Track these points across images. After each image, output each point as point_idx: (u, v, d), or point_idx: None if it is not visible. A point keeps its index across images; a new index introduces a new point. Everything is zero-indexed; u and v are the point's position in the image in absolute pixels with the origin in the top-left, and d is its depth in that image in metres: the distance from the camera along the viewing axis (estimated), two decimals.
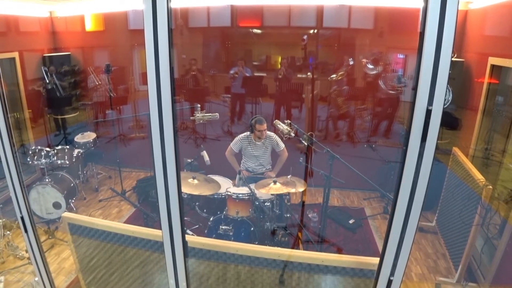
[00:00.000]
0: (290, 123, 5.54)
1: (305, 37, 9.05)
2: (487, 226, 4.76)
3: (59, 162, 6.85)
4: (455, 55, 6.71)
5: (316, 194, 7.32)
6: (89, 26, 9.46)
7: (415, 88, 1.97)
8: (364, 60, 8.23)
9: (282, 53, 10.01)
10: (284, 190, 5.11)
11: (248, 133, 6.25)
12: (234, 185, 6.04)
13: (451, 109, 6.68)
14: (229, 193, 5.32)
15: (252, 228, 5.23)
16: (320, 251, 5.62)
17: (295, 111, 9.42)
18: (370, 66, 8.15)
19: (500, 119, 5.85)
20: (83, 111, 9.61)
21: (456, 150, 5.91)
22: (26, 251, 5.41)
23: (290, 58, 9.55)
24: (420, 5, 1.88)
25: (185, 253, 2.84)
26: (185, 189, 5.13)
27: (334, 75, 8.80)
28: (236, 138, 6.38)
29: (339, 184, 5.64)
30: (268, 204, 5.54)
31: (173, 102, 2.34)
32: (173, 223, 2.70)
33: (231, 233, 5.11)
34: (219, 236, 5.08)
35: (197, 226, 5.96)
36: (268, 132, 6.19)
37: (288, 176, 5.30)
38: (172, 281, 2.98)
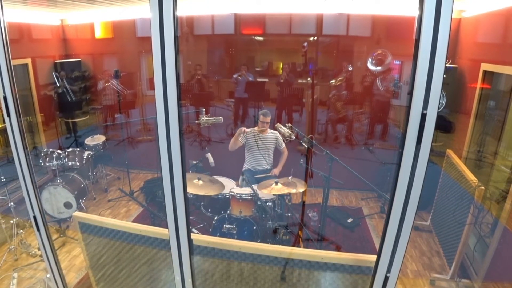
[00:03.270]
0: (291, 127, 5.54)
1: (305, 44, 9.05)
2: (479, 225, 4.76)
3: (70, 163, 6.87)
4: (449, 62, 6.71)
5: (316, 194, 7.31)
6: (99, 33, 9.48)
7: (410, 93, 1.97)
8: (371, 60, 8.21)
9: (284, 59, 10.01)
10: (285, 190, 5.11)
11: (255, 128, 6.26)
12: (238, 185, 6.05)
13: (445, 113, 6.68)
14: (232, 193, 5.33)
15: (254, 227, 5.22)
16: (320, 249, 5.59)
17: (296, 115, 9.41)
18: (373, 67, 8.13)
19: (492, 123, 5.84)
20: (93, 115, 9.63)
21: (450, 152, 5.90)
22: (38, 249, 5.42)
23: (291, 64, 9.54)
24: (415, 13, 1.88)
25: (190, 250, 2.85)
26: (190, 190, 5.14)
27: (333, 81, 8.79)
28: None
29: (338, 184, 5.63)
30: (270, 204, 5.54)
31: (179, 106, 2.34)
32: (179, 222, 2.70)
33: (234, 232, 5.11)
34: (223, 235, 5.08)
35: (202, 225, 5.96)
36: (272, 131, 6.20)
37: (289, 177, 5.30)
38: (178, 278, 2.98)
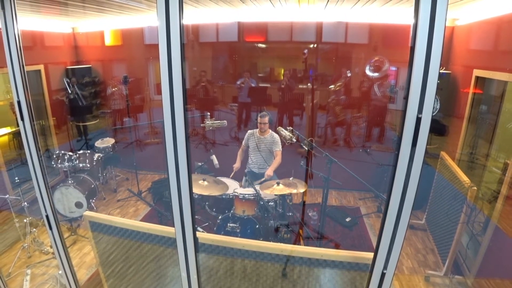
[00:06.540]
0: (292, 130, 5.55)
1: (305, 51, 9.06)
2: (472, 224, 4.76)
3: (80, 165, 6.88)
4: (443, 68, 6.70)
5: (315, 195, 7.31)
6: (108, 41, 9.49)
7: (406, 98, 1.97)
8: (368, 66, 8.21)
9: (285, 65, 10.01)
10: (286, 191, 5.10)
11: (256, 130, 6.26)
12: (241, 186, 6.05)
13: (439, 117, 6.67)
14: (236, 193, 5.33)
15: (257, 226, 5.22)
16: (320, 246, 5.61)
17: (297, 118, 9.40)
18: (370, 73, 8.13)
19: (484, 126, 5.83)
20: (103, 119, 9.64)
21: (443, 154, 5.90)
22: (51, 247, 5.43)
23: (292, 70, 9.54)
24: (410, 22, 1.89)
25: (196, 248, 2.85)
26: (196, 190, 5.14)
27: (332, 86, 8.80)
28: (245, 134, 6.40)
29: (337, 185, 5.63)
30: (272, 203, 5.54)
31: (185, 110, 2.35)
32: (185, 221, 2.71)
33: (238, 230, 5.11)
34: (227, 233, 5.08)
35: (207, 223, 5.96)
36: (273, 133, 6.19)
37: (290, 178, 5.30)
38: (184, 274, 2.98)
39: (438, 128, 6.75)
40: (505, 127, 5.34)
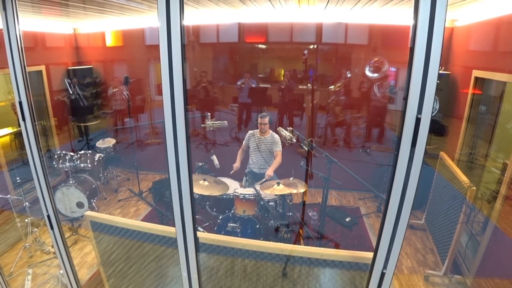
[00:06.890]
0: (292, 130, 5.55)
1: (305, 51, 9.06)
2: (471, 224, 4.75)
3: (82, 165, 6.88)
4: (442, 68, 6.70)
5: (315, 195, 7.30)
6: (109, 41, 9.49)
7: (405, 98, 1.97)
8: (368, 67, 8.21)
9: (285, 66, 10.02)
10: (286, 191, 5.10)
11: (256, 130, 6.26)
12: (241, 186, 6.04)
13: (439, 117, 6.66)
14: (236, 193, 5.32)
15: (257, 226, 5.22)
16: (319, 246, 5.61)
17: (297, 119, 9.40)
18: (370, 74, 8.14)
19: (483, 127, 5.83)
20: (104, 119, 9.64)
21: (443, 154, 5.90)
22: (52, 247, 5.42)
23: (292, 71, 9.55)
24: (410, 22, 1.89)
25: (196, 248, 2.85)
26: (196, 190, 5.14)
27: (332, 86, 8.80)
28: (246, 135, 6.40)
29: (337, 185, 5.62)
30: (272, 203, 5.54)
31: (186, 111, 2.35)
32: (186, 221, 2.71)
33: (238, 230, 5.10)
34: (228, 233, 5.07)
35: (207, 223, 5.95)
36: (273, 133, 6.19)
37: (290, 178, 5.30)
38: (184, 274, 2.98)
39: (437, 129, 6.75)
40: (504, 127, 5.34)
